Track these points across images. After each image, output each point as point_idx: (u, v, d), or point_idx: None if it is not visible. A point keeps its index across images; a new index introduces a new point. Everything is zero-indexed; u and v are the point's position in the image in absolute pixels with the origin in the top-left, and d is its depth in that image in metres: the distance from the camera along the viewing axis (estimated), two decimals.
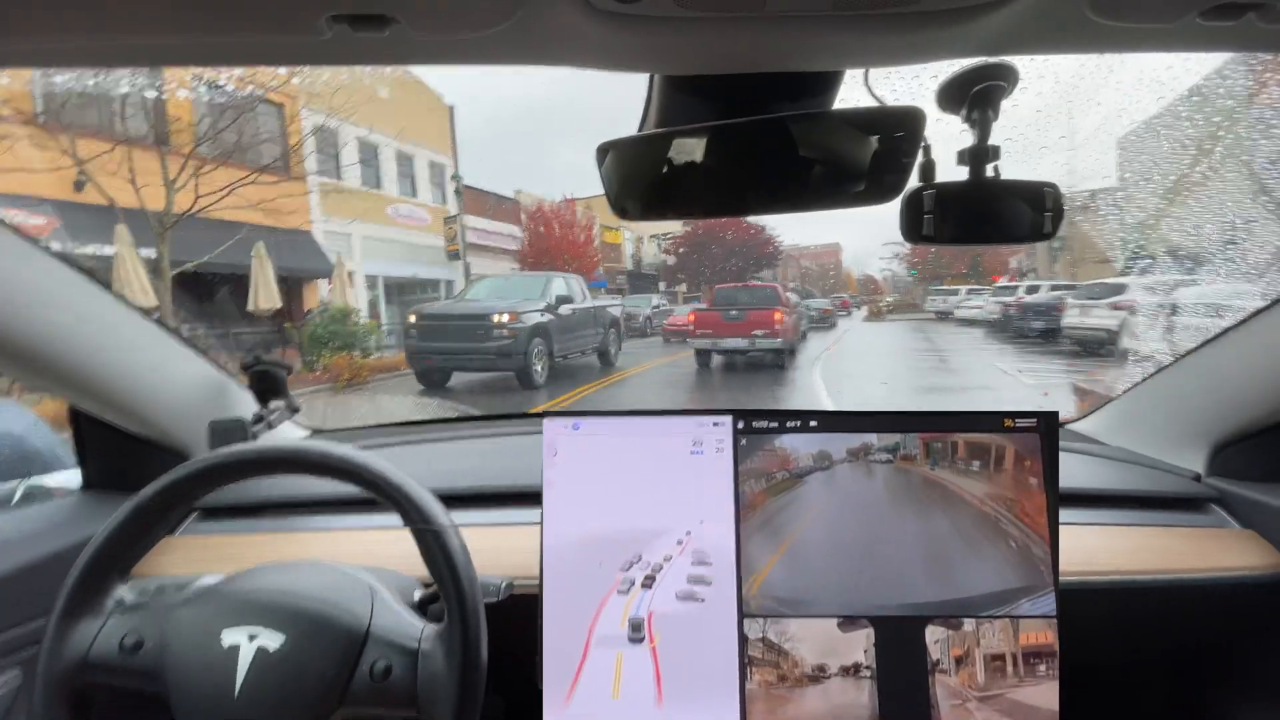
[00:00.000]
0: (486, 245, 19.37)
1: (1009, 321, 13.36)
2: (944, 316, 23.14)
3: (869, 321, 23.46)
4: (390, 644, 0.61)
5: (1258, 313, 0.86)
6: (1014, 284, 15.53)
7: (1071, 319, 9.79)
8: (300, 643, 0.59)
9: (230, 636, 0.60)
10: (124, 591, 0.66)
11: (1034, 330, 11.86)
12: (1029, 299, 12.98)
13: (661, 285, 28.28)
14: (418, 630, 0.62)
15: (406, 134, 15.51)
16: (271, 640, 0.59)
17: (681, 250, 29.27)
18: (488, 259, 19.22)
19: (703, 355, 10.06)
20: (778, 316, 9.58)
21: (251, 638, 0.59)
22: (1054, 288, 12.92)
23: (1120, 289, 8.35)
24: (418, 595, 0.73)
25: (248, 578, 0.66)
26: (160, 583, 0.70)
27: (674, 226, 30.29)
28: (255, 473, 0.66)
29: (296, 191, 11.72)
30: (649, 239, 30.70)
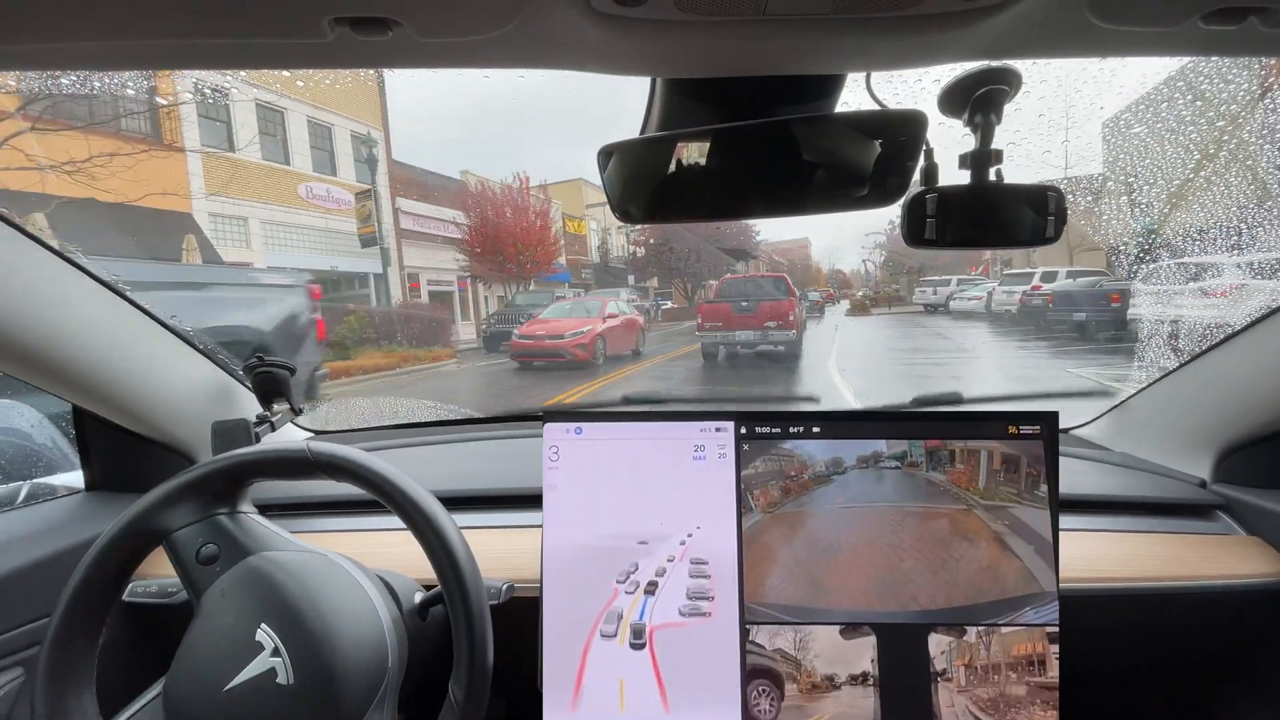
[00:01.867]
0: (423, 232, 16.90)
1: (1037, 314, 11.28)
2: (935, 309, 20.80)
3: (854, 316, 20.89)
4: None
5: (1264, 317, 0.86)
6: (1027, 270, 13.42)
7: (1144, 308, 7.25)
8: (301, 694, 0.58)
9: (263, 634, 0.60)
10: (244, 506, 0.69)
11: (1076, 323, 9.92)
12: (1060, 287, 10.98)
13: (630, 279, 26.40)
14: None
15: (324, 101, 13.30)
16: (284, 672, 0.59)
17: (652, 242, 26.99)
18: (424, 248, 16.87)
19: (710, 351, 9.63)
20: (791, 307, 9.31)
21: (275, 653, 0.59)
22: (1070, 274, 11.48)
23: (1214, 269, 6.20)
24: (418, 598, 0.73)
25: (313, 567, 0.66)
26: (160, 584, 0.70)
27: None
28: (351, 481, 0.66)
29: (168, 163, 9.76)
30: (617, 230, 28.65)
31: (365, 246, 13.89)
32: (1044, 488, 0.71)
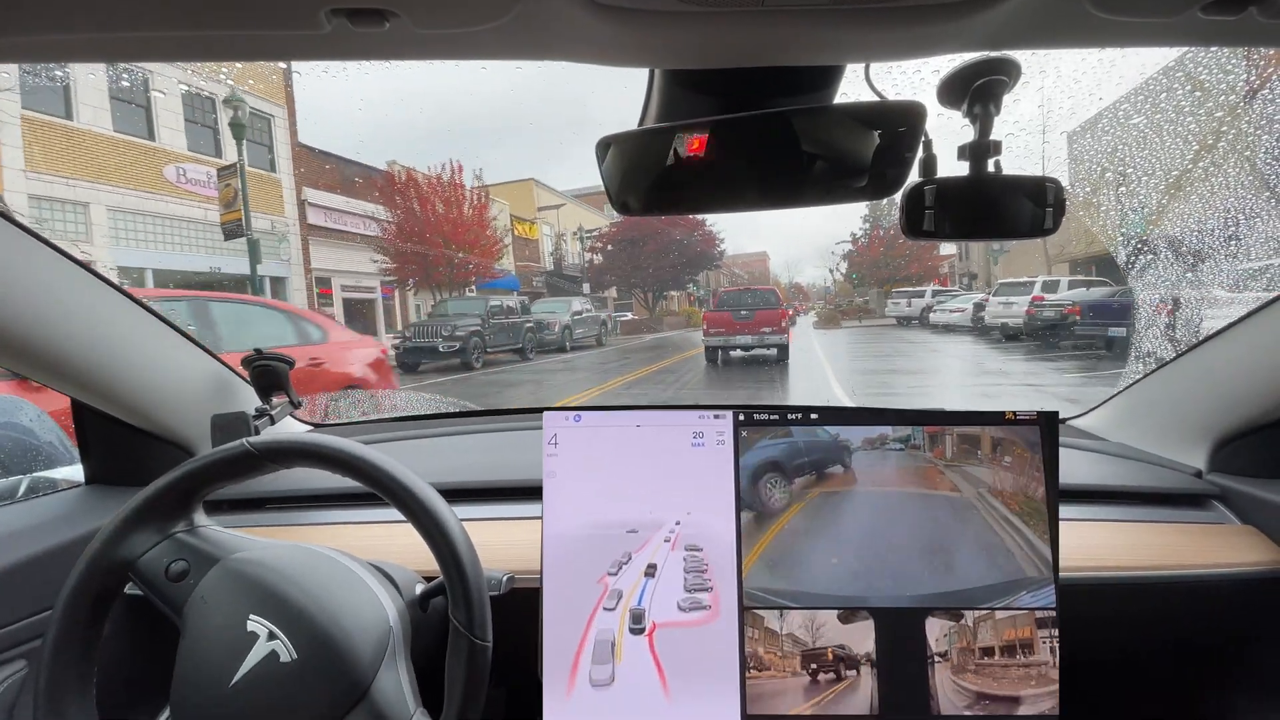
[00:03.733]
0: (336, 229, 14.39)
1: (1056, 328, 9.87)
2: (907, 322, 19.78)
3: (823, 329, 19.46)
4: (381, 714, 0.59)
5: (1260, 308, 0.86)
6: (1027, 280, 12.36)
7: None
8: (307, 667, 0.59)
9: (255, 623, 0.60)
10: (198, 516, 0.69)
11: (1111, 338, 8.71)
12: (1078, 296, 9.68)
13: (586, 288, 24.42)
14: (409, 716, 0.60)
15: (210, 69, 10.42)
16: (285, 651, 0.59)
17: (609, 248, 25.51)
18: (338, 247, 14.29)
19: (712, 353, 11.15)
20: (784, 314, 10.93)
21: (271, 636, 0.59)
22: (1072, 284, 10.85)
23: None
24: (419, 589, 0.73)
25: (294, 558, 0.66)
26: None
27: (599, 220, 26.91)
28: (342, 472, 0.66)
29: None
30: (572, 236, 26.95)
31: (229, 238, 10.63)
32: (1041, 473, 0.72)
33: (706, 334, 11.27)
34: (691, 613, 0.71)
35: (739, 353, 11.06)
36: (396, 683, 0.62)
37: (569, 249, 27.27)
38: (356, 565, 0.69)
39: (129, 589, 0.66)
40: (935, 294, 20.19)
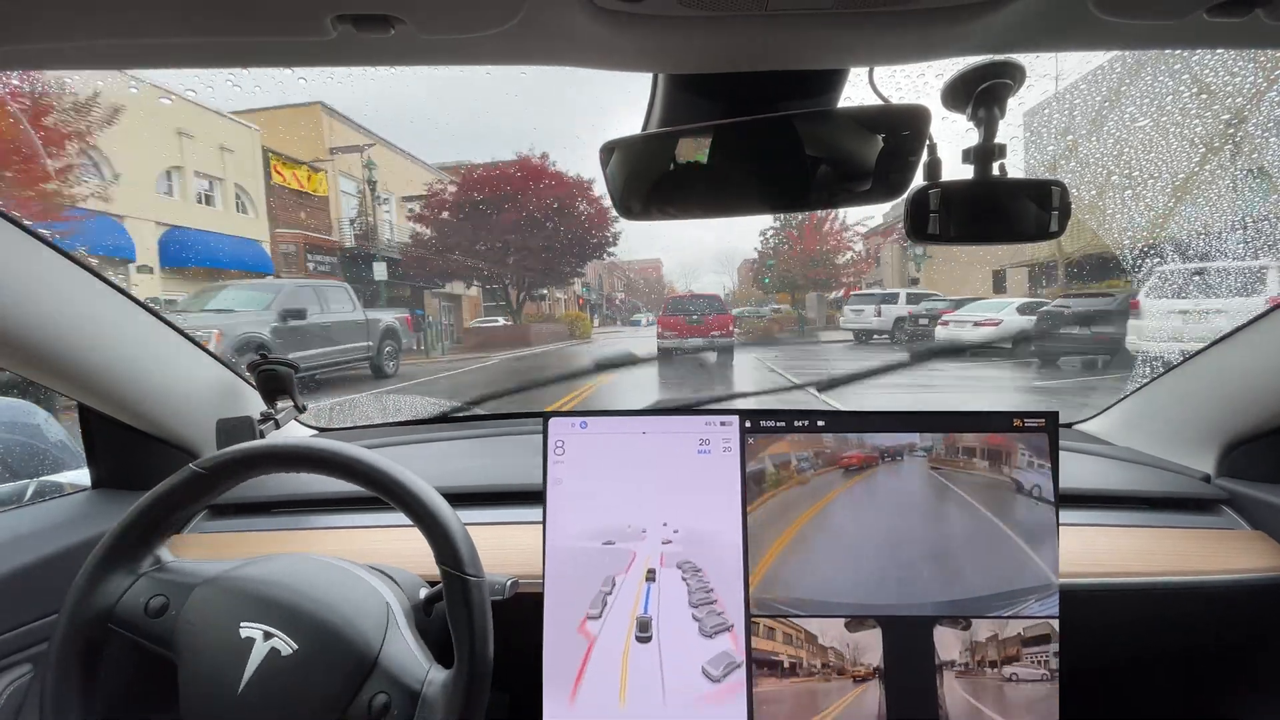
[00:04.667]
0: None
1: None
2: (867, 339, 14.49)
3: (747, 347, 13.95)
4: (395, 680, 0.60)
5: (1269, 312, 0.86)
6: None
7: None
8: (311, 654, 0.59)
9: (248, 629, 0.60)
10: (163, 553, 0.68)
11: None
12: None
13: (380, 270, 14.31)
14: (424, 672, 0.61)
15: None
16: (285, 645, 0.60)
17: (446, 217, 16.36)
18: None
19: (666, 353, 12.21)
20: (730, 319, 12.64)
21: (267, 636, 0.60)
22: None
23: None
24: (423, 594, 0.73)
25: (275, 566, 0.67)
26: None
27: (428, 175, 18.51)
28: (314, 469, 0.66)
29: None
30: (400, 200, 17.61)
31: None
32: (1048, 480, 0.71)
33: (661, 336, 12.60)
34: (697, 621, 0.71)
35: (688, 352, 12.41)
36: (405, 647, 0.63)
37: (384, 213, 17.04)
38: (346, 564, 0.69)
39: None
40: (917, 297, 15.10)
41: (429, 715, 0.59)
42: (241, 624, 0.61)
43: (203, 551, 0.94)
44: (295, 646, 0.59)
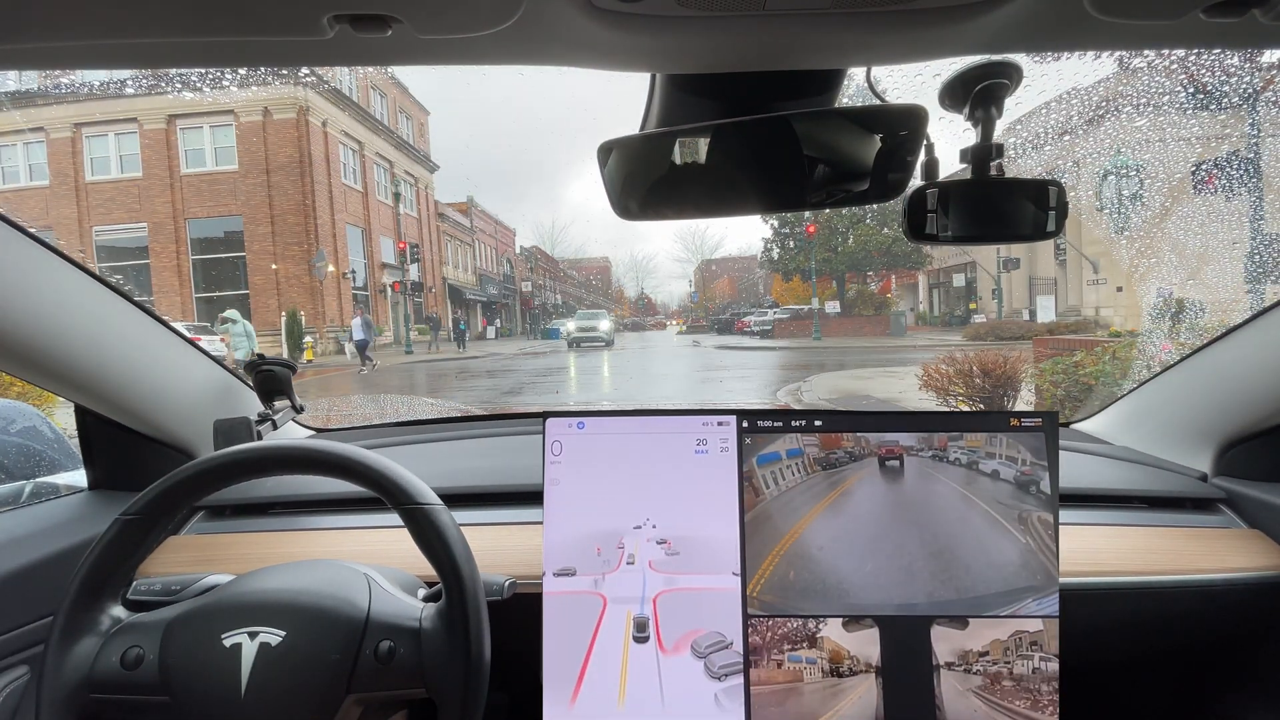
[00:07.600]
0: None
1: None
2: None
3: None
4: (391, 626, 0.61)
5: (1265, 310, 0.86)
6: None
7: None
8: (301, 635, 0.60)
9: (231, 637, 0.60)
10: (119, 611, 0.65)
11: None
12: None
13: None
14: (417, 610, 0.63)
15: None
16: (272, 636, 0.60)
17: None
18: None
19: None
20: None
21: (252, 635, 0.60)
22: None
23: None
24: (421, 593, 0.73)
25: (242, 582, 0.67)
26: (164, 581, 0.71)
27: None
28: (247, 475, 0.66)
29: None
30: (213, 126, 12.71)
31: None
32: (1046, 480, 0.71)
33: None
34: (695, 621, 0.71)
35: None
36: (392, 598, 0.64)
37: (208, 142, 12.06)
38: (315, 560, 0.70)
39: (133, 595, 0.66)
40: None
41: (434, 642, 0.60)
42: (223, 636, 0.60)
43: (198, 554, 0.94)
44: (283, 634, 0.60)
